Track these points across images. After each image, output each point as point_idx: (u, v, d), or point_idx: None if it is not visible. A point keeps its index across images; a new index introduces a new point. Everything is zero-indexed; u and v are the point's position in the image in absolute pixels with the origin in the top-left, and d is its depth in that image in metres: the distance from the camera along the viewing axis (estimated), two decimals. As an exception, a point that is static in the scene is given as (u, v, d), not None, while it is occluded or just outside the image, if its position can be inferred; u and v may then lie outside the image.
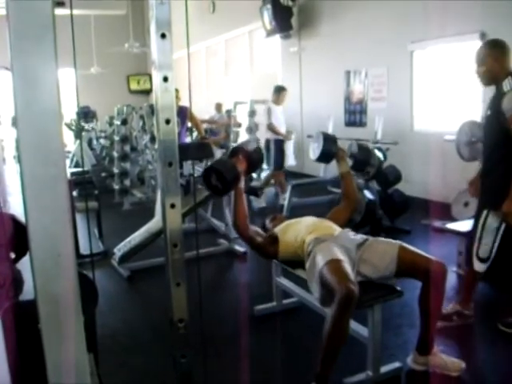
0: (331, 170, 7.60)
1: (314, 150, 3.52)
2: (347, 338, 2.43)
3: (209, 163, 3.28)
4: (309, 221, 3.16)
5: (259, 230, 3.26)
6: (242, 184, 3.06)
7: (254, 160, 3.16)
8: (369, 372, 2.70)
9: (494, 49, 3.06)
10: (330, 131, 7.76)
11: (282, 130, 7.48)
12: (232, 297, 4.08)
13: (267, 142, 7.52)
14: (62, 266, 1.11)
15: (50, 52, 1.04)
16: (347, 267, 2.54)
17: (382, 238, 2.96)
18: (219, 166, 3.02)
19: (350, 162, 3.56)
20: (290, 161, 8.07)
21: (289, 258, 3.06)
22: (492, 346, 3.13)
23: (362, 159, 3.54)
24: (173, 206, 1.50)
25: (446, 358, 2.77)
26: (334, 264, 2.55)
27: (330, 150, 3.41)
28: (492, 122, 3.07)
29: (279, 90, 7.53)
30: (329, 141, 3.45)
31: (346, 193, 3.34)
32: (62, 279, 1.11)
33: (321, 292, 2.59)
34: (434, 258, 2.67)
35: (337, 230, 3.00)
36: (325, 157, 3.50)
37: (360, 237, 2.95)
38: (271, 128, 7.35)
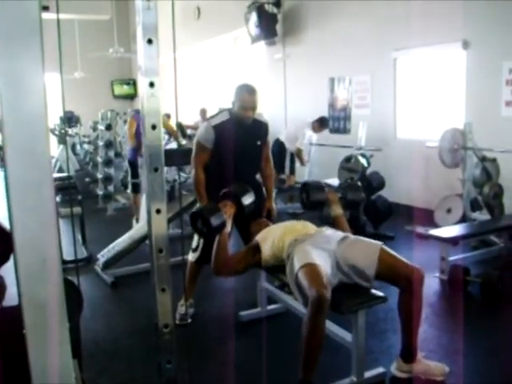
0: (316, 175, 7.66)
1: (303, 200, 3.44)
2: (324, 340, 2.46)
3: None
4: (287, 223, 3.21)
5: (237, 255, 3.20)
6: (228, 229, 3.09)
7: (244, 208, 3.18)
8: (353, 377, 2.72)
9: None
10: (313, 139, 7.81)
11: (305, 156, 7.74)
12: (217, 302, 4.07)
13: (280, 143, 7.50)
14: (47, 271, 1.10)
15: (37, 55, 1.04)
16: (321, 271, 2.56)
17: (364, 238, 2.98)
18: (205, 213, 3.02)
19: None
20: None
21: (270, 261, 3.06)
22: (475, 348, 3.16)
23: (354, 200, 3.49)
24: (158, 211, 1.50)
25: (429, 363, 2.80)
26: (309, 268, 2.58)
27: (317, 198, 3.34)
28: (260, 145, 3.73)
29: (326, 124, 7.61)
30: (315, 189, 3.37)
31: None
32: (47, 284, 1.11)
33: (300, 295, 2.62)
34: (411, 264, 2.70)
35: (314, 228, 3.02)
36: (314, 206, 3.43)
37: (340, 233, 2.98)
38: (299, 154, 7.47)
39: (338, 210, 3.29)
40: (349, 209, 3.49)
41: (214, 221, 2.95)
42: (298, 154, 7.46)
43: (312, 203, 3.36)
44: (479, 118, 5.74)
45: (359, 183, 3.58)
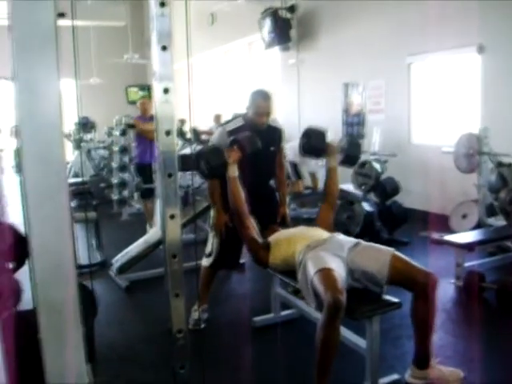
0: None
1: (304, 145, 3.50)
2: (338, 346, 2.45)
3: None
4: (299, 229, 3.21)
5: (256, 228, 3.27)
6: (235, 172, 3.17)
7: (248, 148, 3.26)
8: (367, 384, 2.70)
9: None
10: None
11: None
12: (231, 308, 4.07)
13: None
14: (62, 275, 1.11)
15: (53, 63, 1.05)
16: (336, 276, 2.55)
17: (376, 244, 2.96)
18: (206, 152, 3.25)
19: (339, 158, 3.53)
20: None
21: (279, 265, 3.06)
22: (491, 355, 3.12)
23: (352, 155, 3.56)
24: (172, 216, 1.50)
25: (444, 369, 2.76)
26: (324, 272, 2.57)
27: (318, 144, 3.41)
28: (274, 151, 3.74)
29: None
30: (317, 135, 3.43)
31: (329, 188, 3.38)
32: (62, 289, 1.12)
33: (315, 300, 2.60)
34: (424, 268, 2.68)
35: (326, 233, 3.03)
36: (313, 151, 3.51)
37: (352, 239, 2.97)
38: (314, 180, 7.68)
39: (333, 163, 3.40)
40: (347, 163, 3.57)
41: (214, 161, 3.16)
42: (312, 179, 7.58)
43: (313, 148, 3.45)
44: (495, 122, 5.68)
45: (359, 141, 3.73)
